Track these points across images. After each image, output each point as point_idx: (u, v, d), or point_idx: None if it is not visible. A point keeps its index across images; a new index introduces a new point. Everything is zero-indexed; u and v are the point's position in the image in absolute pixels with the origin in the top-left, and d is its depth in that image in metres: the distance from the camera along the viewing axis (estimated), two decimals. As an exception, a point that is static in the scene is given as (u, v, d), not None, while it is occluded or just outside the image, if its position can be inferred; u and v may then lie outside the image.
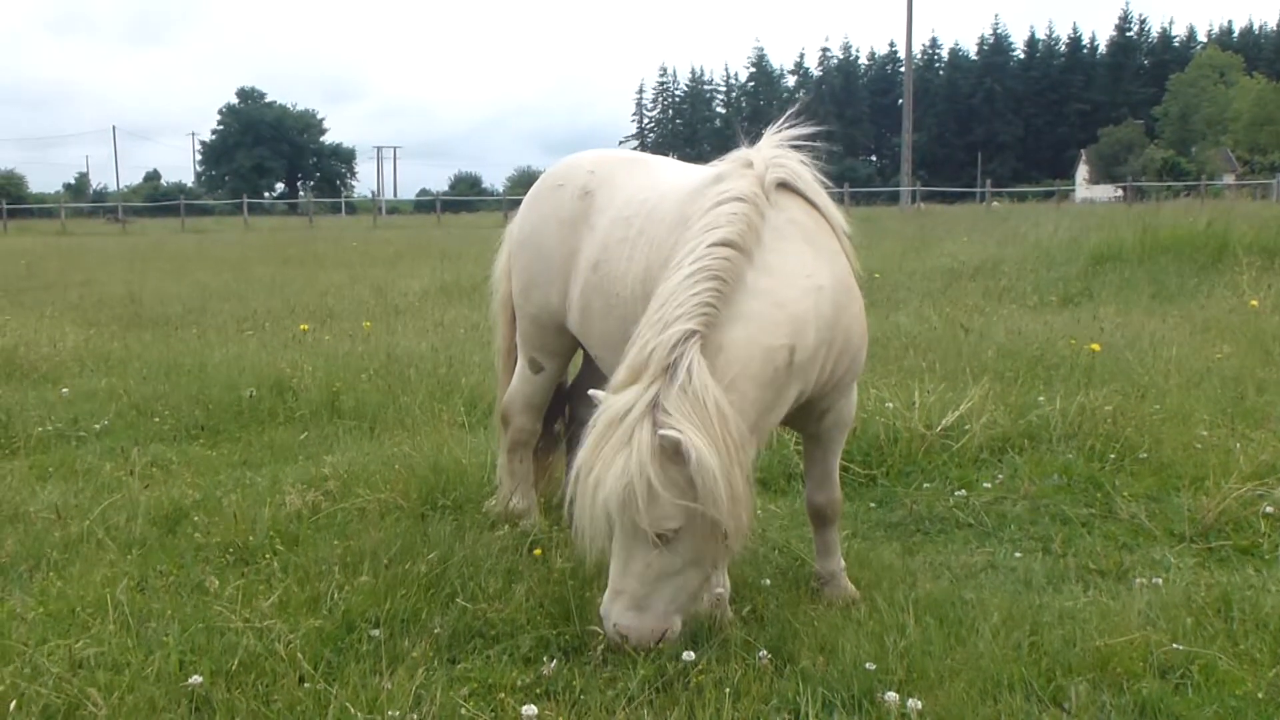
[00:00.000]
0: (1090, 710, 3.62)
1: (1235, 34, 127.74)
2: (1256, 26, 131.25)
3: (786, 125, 4.43)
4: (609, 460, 3.69)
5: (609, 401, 3.81)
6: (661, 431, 3.62)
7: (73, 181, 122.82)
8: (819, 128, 4.45)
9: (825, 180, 4.40)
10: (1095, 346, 8.24)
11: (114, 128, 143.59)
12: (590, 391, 4.01)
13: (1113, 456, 6.42)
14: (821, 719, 3.50)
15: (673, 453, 3.62)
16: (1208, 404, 7.42)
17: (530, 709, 3.55)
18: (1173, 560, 5.04)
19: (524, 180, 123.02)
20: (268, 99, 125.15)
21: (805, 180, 4.29)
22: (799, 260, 4.08)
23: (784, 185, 4.22)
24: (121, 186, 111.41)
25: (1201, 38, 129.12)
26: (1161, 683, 3.80)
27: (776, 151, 4.31)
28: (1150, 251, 16.04)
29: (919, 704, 3.54)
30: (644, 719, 3.57)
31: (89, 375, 9.90)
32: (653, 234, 4.58)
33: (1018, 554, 5.25)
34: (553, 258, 5.20)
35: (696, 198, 4.30)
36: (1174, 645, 3.98)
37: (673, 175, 4.98)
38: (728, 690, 3.63)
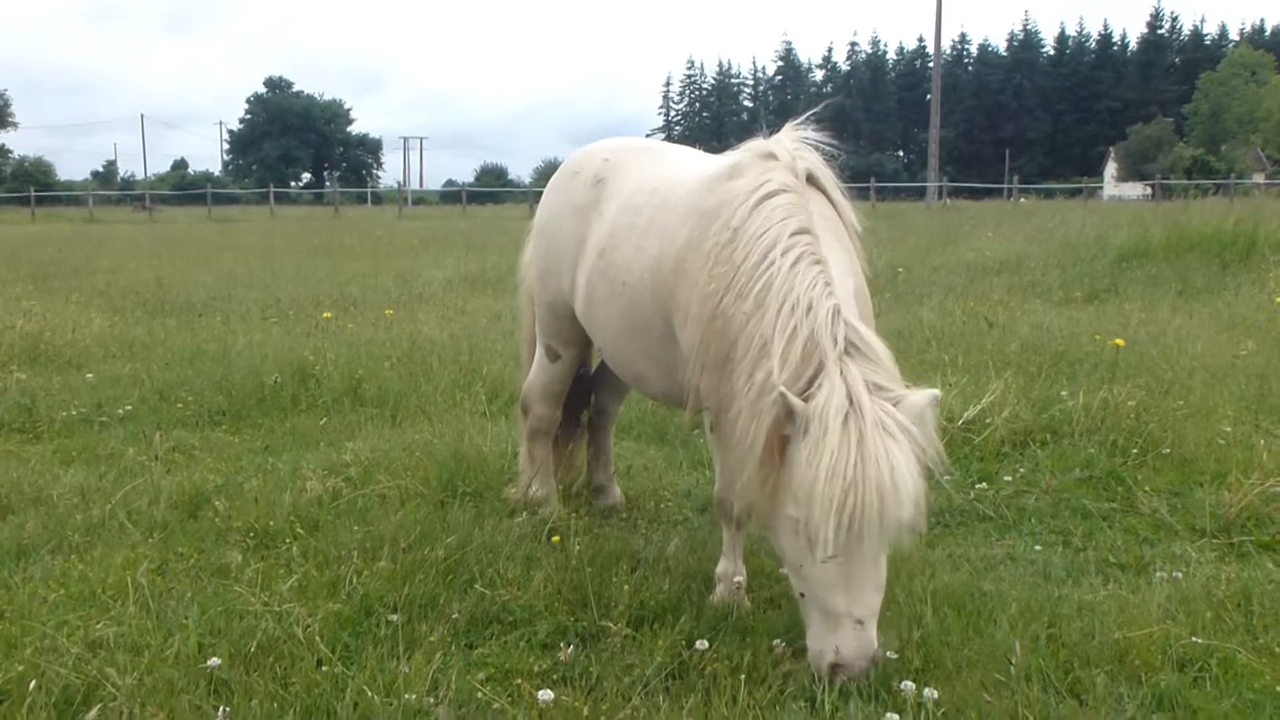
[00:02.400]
0: (1108, 702, 3.60)
1: (1267, 33, 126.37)
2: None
3: (804, 123, 4.42)
4: (884, 457, 3.44)
5: (824, 397, 3.53)
6: (914, 398, 3.59)
7: (101, 169, 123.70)
8: (838, 128, 4.46)
9: (840, 179, 4.38)
10: (1119, 341, 8.18)
11: (142, 116, 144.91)
12: (785, 397, 3.57)
13: (1135, 451, 6.38)
14: (837, 706, 3.49)
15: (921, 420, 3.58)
16: (1232, 400, 7.36)
17: (547, 694, 3.56)
18: (1193, 555, 5.00)
19: (549, 172, 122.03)
20: (295, 89, 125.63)
21: (827, 176, 4.29)
22: (837, 254, 4.08)
23: (810, 178, 4.22)
24: (149, 175, 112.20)
25: (1233, 36, 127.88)
26: (1180, 676, 3.79)
27: (797, 145, 4.29)
28: (1177, 249, 15.94)
29: (935, 693, 3.53)
30: (660, 706, 3.57)
31: (113, 361, 9.97)
32: (663, 223, 4.56)
33: (1037, 547, 5.22)
34: (566, 245, 5.22)
35: (715, 188, 4.28)
36: (1193, 639, 3.95)
37: (686, 164, 4.96)
38: (743, 677, 3.64)
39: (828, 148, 4.34)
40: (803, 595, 3.72)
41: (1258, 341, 9.46)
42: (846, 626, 3.56)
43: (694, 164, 4.91)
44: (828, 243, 4.01)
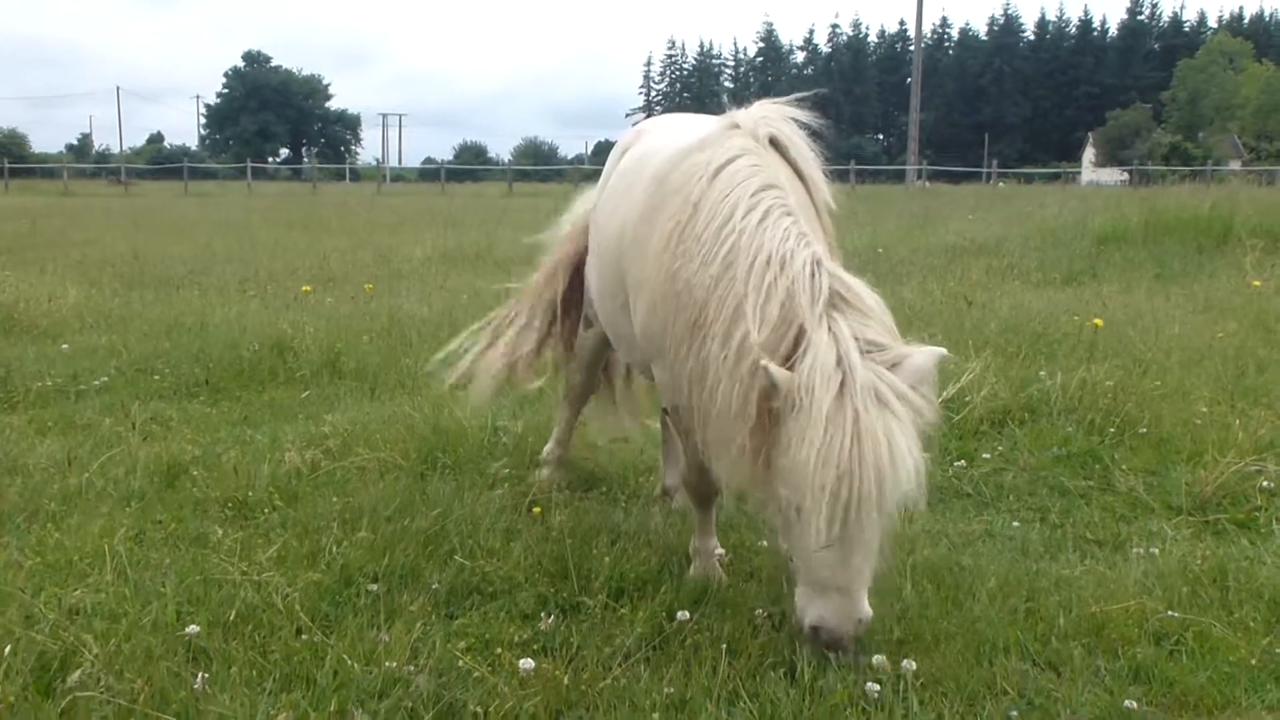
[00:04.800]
0: (1084, 674, 3.63)
1: (1245, 20, 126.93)
2: (1267, 14, 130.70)
3: (785, 101, 4.21)
4: (880, 436, 3.20)
5: (810, 365, 3.26)
6: (915, 358, 3.33)
7: (75, 142, 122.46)
8: (821, 107, 4.22)
9: (819, 150, 4.11)
10: (1098, 321, 8.23)
11: (118, 89, 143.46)
12: (765, 368, 3.29)
13: (1112, 431, 6.43)
14: (816, 677, 3.51)
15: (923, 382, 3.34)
16: (1208, 381, 7.42)
17: (528, 663, 3.56)
18: (1170, 532, 5.04)
19: (530, 151, 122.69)
20: (273, 63, 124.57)
21: (797, 147, 4.04)
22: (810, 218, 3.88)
23: (776, 145, 4.00)
24: (125, 148, 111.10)
25: (1212, 23, 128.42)
26: (1156, 649, 3.83)
27: (766, 113, 4.10)
28: (1155, 233, 16.04)
29: (913, 665, 3.55)
30: (641, 676, 3.58)
31: (89, 332, 9.88)
32: (635, 189, 4.39)
33: (1015, 523, 5.26)
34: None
35: (679, 162, 4.05)
36: (1169, 613, 4.00)
37: (678, 132, 4.76)
38: (724, 647, 3.65)
39: (806, 121, 4.10)
40: (791, 561, 3.59)
41: (1235, 324, 9.55)
42: (832, 593, 3.40)
43: (688, 132, 4.67)
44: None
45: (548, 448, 5.91)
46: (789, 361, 3.35)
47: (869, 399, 3.22)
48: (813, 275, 3.44)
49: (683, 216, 3.80)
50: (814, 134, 4.12)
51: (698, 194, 3.79)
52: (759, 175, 3.76)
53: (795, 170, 3.99)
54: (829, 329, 3.33)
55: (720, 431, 3.54)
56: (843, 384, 3.22)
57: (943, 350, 3.45)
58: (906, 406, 3.28)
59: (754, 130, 3.99)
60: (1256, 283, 11.50)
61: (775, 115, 4.08)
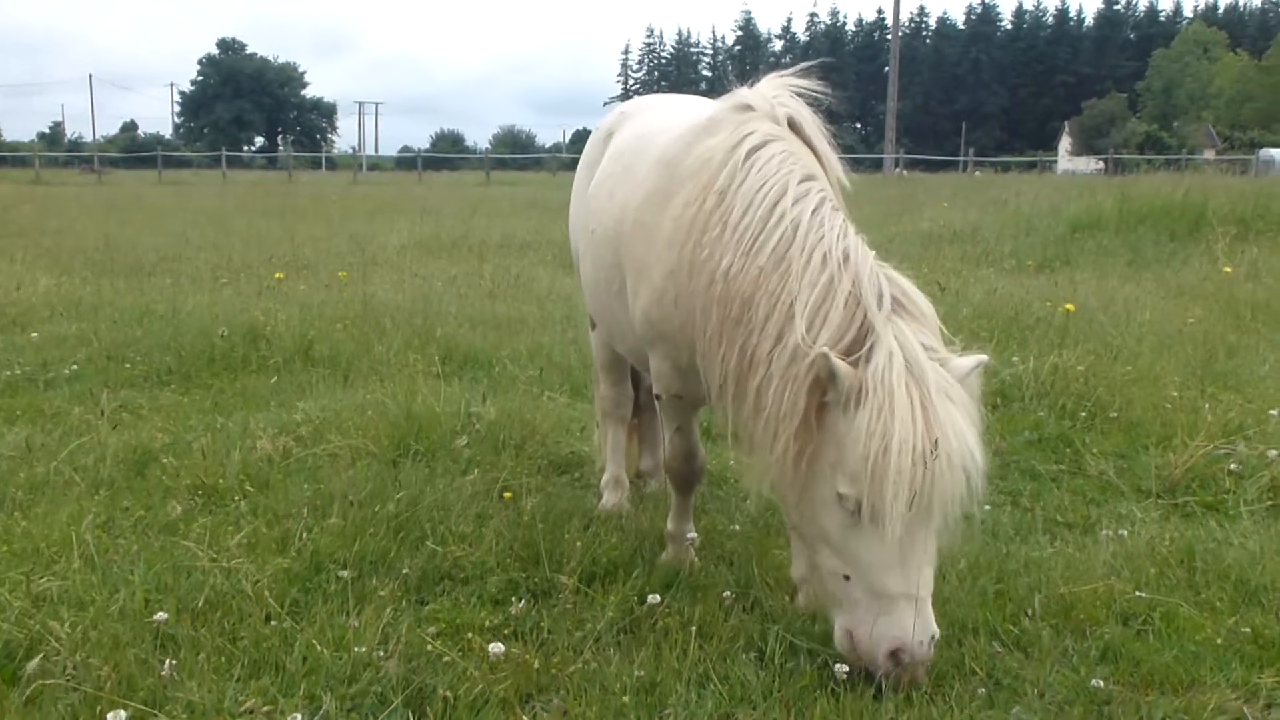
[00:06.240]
0: (1053, 654, 3.66)
1: (1220, 10, 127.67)
2: (1241, 4, 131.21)
3: (790, 73, 4.05)
4: (950, 425, 3.16)
5: (883, 360, 3.18)
6: (959, 362, 3.29)
7: (48, 130, 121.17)
8: (821, 80, 4.02)
9: (828, 129, 3.97)
10: (1070, 306, 8.27)
11: (91, 76, 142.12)
12: (827, 356, 3.20)
13: (1084, 415, 6.47)
14: (786, 659, 3.52)
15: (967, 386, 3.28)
16: (1178, 366, 7.48)
17: (498, 647, 3.55)
18: (1138, 514, 5.08)
19: (507, 139, 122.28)
20: (249, 50, 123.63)
21: (811, 124, 3.91)
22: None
23: (793, 125, 3.88)
24: (98, 136, 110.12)
25: (1187, 13, 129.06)
26: (1124, 629, 3.86)
27: (777, 90, 3.95)
28: (1128, 220, 16.14)
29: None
30: (611, 659, 3.58)
31: (59, 320, 9.79)
32: (635, 170, 4.29)
33: (986, 506, 5.25)
34: (579, 202, 5.08)
35: (691, 144, 3.93)
36: (1137, 593, 4.04)
37: (677, 113, 4.64)
38: (694, 629, 3.65)
39: (814, 94, 3.95)
40: (847, 578, 3.32)
41: (1205, 309, 9.62)
42: (904, 607, 3.21)
43: (684, 113, 4.57)
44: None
45: (603, 477, 5.41)
46: (851, 358, 3.25)
47: (939, 393, 3.18)
48: (874, 276, 3.37)
49: (707, 204, 3.69)
50: (820, 107, 3.98)
51: (724, 181, 3.66)
52: (798, 165, 3.65)
53: (812, 149, 3.87)
54: (894, 331, 3.25)
55: (764, 430, 3.39)
56: (918, 379, 3.17)
57: (985, 357, 3.42)
58: (964, 403, 3.25)
59: (771, 112, 3.85)
60: (1227, 269, 11.59)
61: (787, 93, 3.94)
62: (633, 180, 4.25)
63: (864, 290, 3.31)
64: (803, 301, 3.33)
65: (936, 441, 3.10)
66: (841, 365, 3.18)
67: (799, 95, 3.93)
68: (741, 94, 3.98)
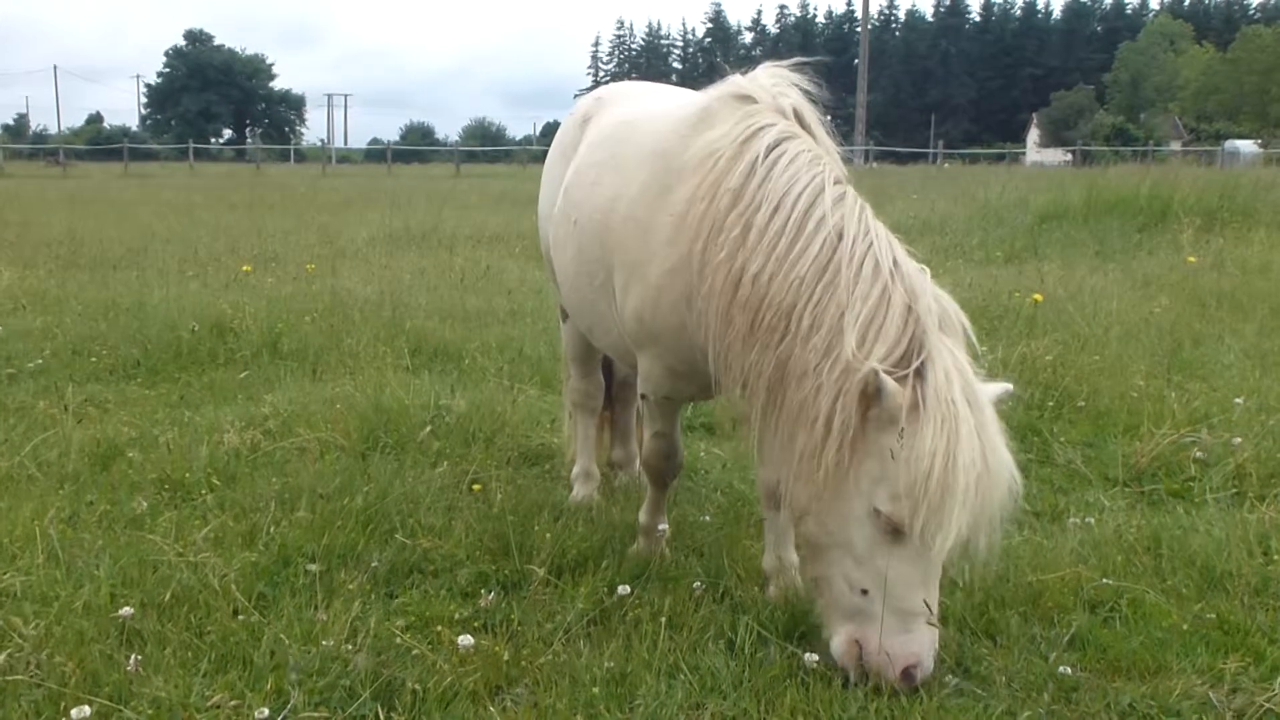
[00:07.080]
0: (1021, 642, 3.67)
1: (1186, 3, 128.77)
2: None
3: (784, 65, 3.96)
4: (1001, 446, 3.16)
5: (940, 376, 3.12)
6: (993, 386, 3.29)
7: (12, 123, 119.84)
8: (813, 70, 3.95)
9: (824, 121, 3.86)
10: (1038, 297, 8.33)
11: (55, 68, 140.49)
12: (876, 373, 3.10)
13: (1051, 404, 6.52)
14: (756, 649, 3.52)
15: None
16: (1145, 355, 7.54)
17: (467, 639, 3.53)
18: (1106, 502, 5.12)
19: (478, 131, 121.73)
20: (216, 42, 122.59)
21: (813, 117, 3.79)
22: None
23: (798, 118, 3.75)
24: (63, 129, 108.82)
25: (1154, 6, 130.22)
26: (1091, 616, 3.89)
27: (776, 80, 3.84)
28: (1095, 211, 16.27)
29: (852, 634, 3.56)
30: (581, 650, 3.57)
31: (23, 314, 9.67)
32: (622, 160, 4.15)
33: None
34: (552, 190, 4.92)
35: (688, 138, 3.79)
36: (1104, 581, 4.06)
37: (666, 101, 4.57)
38: (664, 620, 3.64)
39: (809, 87, 3.84)
40: (865, 592, 3.26)
41: (1171, 299, 9.70)
42: (921, 624, 3.23)
43: (673, 101, 4.50)
44: None
45: (573, 469, 5.40)
46: (899, 373, 3.17)
47: (991, 412, 3.17)
48: (928, 290, 3.31)
49: (720, 201, 3.54)
50: (815, 100, 3.87)
51: (740, 179, 3.53)
52: (826, 166, 3.55)
53: (816, 142, 3.75)
54: (949, 348, 3.21)
55: (808, 441, 3.28)
56: (973, 400, 3.14)
57: (1009, 387, 3.42)
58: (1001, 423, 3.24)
59: (775, 104, 3.73)
60: (1192, 259, 11.71)
61: (786, 84, 3.82)
62: (622, 172, 4.11)
63: (920, 305, 3.24)
64: (854, 314, 3.23)
65: (992, 460, 3.08)
66: (889, 383, 3.09)
67: (797, 84, 3.84)
68: (738, 83, 3.86)
